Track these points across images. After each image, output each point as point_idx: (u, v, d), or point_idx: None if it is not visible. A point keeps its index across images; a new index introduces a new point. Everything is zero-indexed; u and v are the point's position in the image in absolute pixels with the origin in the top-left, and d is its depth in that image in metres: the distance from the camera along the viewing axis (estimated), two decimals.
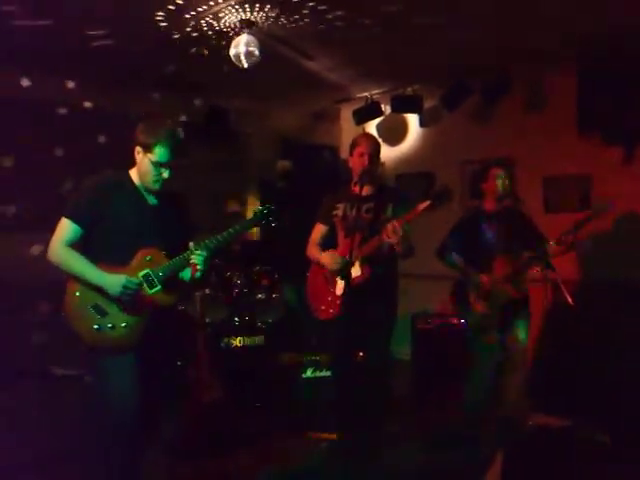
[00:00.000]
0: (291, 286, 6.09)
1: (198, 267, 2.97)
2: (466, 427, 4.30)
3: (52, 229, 2.90)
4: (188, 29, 4.68)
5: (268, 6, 4.32)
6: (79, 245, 2.92)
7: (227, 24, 4.61)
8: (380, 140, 4.13)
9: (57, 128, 5.57)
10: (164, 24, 4.55)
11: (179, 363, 4.59)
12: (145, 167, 2.93)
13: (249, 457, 4.23)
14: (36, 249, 4.81)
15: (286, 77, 5.95)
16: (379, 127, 7.07)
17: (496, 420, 4.26)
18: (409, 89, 6.51)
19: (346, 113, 7.29)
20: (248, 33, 4.55)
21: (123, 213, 2.91)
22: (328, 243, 4.05)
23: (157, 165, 2.90)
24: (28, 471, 3.70)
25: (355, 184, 3.87)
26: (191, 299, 4.77)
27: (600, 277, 5.38)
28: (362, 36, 4.91)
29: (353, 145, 3.97)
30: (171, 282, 3.00)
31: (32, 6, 4.14)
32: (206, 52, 5.13)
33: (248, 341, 5.27)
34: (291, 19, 4.55)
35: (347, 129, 7.48)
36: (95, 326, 2.84)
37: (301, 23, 4.62)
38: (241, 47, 4.50)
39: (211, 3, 4.26)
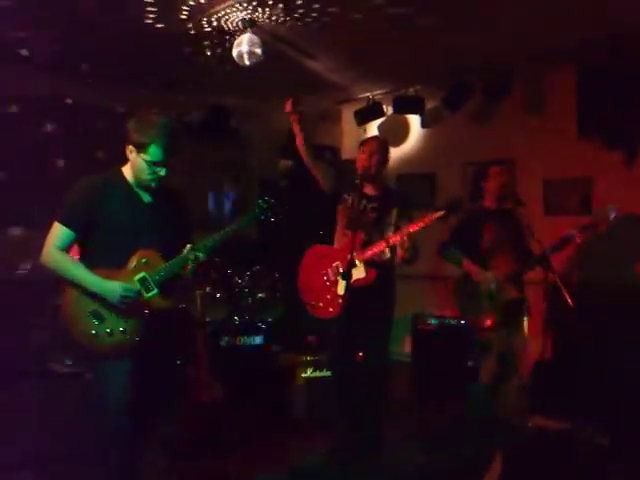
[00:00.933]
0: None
1: (190, 266, 2.93)
2: (466, 428, 4.31)
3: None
4: (191, 27, 4.68)
5: (271, 5, 4.32)
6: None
7: (230, 23, 4.62)
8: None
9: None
10: (167, 23, 4.55)
11: (178, 362, 4.59)
12: (139, 166, 2.84)
13: (248, 457, 4.23)
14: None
15: (288, 77, 5.95)
16: (381, 128, 7.07)
17: (496, 421, 4.26)
18: (411, 90, 6.51)
19: (348, 113, 7.29)
20: (251, 32, 4.55)
21: (117, 213, 2.84)
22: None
23: (152, 164, 2.82)
24: (28, 470, 3.71)
25: (360, 182, 3.89)
26: (191, 298, 4.76)
27: (599, 279, 5.39)
28: (364, 37, 4.92)
29: (362, 145, 4.02)
30: (168, 285, 2.95)
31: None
32: (208, 51, 5.14)
33: (248, 340, 5.28)
34: (294, 19, 4.56)
35: (348, 130, 7.48)
36: (93, 332, 2.80)
37: (304, 23, 4.63)
38: (244, 46, 4.51)
39: (214, 2, 4.26)
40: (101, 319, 2.81)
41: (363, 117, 6.81)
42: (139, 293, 2.85)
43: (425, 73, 6.12)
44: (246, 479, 3.89)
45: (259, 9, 4.38)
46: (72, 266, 2.81)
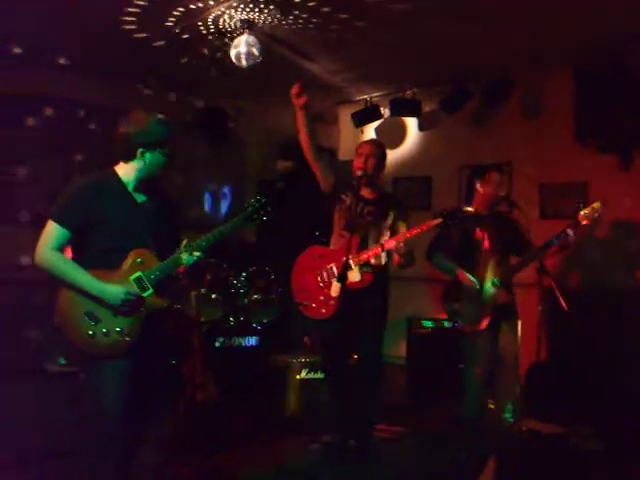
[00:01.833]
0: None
1: (187, 266, 2.93)
2: (461, 431, 4.31)
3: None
4: (190, 28, 4.68)
5: (269, 7, 4.33)
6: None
7: (228, 24, 4.62)
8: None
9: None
10: (166, 23, 4.56)
11: (173, 362, 4.58)
12: (135, 166, 2.87)
13: (242, 458, 4.22)
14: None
15: (286, 78, 5.95)
16: (378, 130, 7.07)
17: (489, 424, 4.27)
18: (408, 92, 6.53)
19: (345, 115, 7.30)
20: (249, 33, 4.56)
21: (111, 213, 2.83)
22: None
23: (150, 164, 2.85)
24: (21, 469, 3.70)
25: (356, 186, 3.89)
26: (187, 299, 4.76)
27: (596, 283, 5.40)
28: (362, 39, 4.92)
29: (359, 148, 4.02)
30: (163, 284, 2.94)
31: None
32: (206, 51, 5.14)
33: (243, 341, 5.27)
34: (292, 20, 4.56)
35: (346, 131, 7.49)
36: (89, 332, 2.79)
37: (302, 24, 4.63)
38: (242, 47, 4.52)
39: (212, 3, 4.26)
40: (97, 319, 2.80)
41: (360, 119, 6.82)
42: (138, 295, 2.84)
43: (422, 76, 6.13)
44: (240, 479, 3.89)
45: (257, 9, 4.38)
46: (69, 267, 2.80)
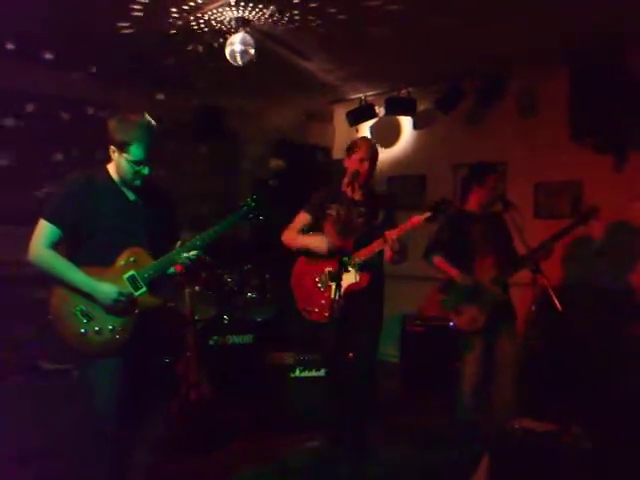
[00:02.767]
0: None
1: (184, 265, 2.91)
2: (454, 429, 4.32)
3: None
4: (184, 26, 4.68)
5: (264, 5, 4.32)
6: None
7: (223, 22, 4.61)
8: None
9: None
10: (161, 21, 4.55)
11: (167, 360, 4.58)
12: (122, 165, 2.82)
13: (237, 456, 4.23)
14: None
15: (281, 77, 5.96)
16: (372, 129, 7.08)
17: (484, 423, 4.28)
18: (403, 91, 6.53)
19: (340, 114, 7.30)
20: (244, 31, 4.55)
21: (103, 211, 2.82)
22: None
23: (134, 164, 2.80)
24: (19, 468, 3.69)
25: (347, 185, 3.88)
26: (181, 297, 4.75)
27: (589, 283, 5.42)
28: (357, 37, 4.93)
29: (352, 148, 3.96)
30: (157, 283, 2.93)
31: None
32: (201, 49, 5.13)
33: (237, 340, 5.27)
34: (287, 18, 4.56)
35: (341, 130, 7.49)
36: (81, 330, 2.78)
37: (297, 23, 4.63)
38: (237, 45, 4.50)
39: (207, 0, 4.26)
40: (89, 317, 2.80)
41: (355, 118, 6.83)
42: (131, 294, 2.84)
43: (417, 75, 6.14)
44: (235, 477, 3.89)
45: (253, 8, 4.38)
46: (62, 265, 2.79)
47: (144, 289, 2.87)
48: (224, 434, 4.46)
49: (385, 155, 6.96)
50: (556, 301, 3.79)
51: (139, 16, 4.47)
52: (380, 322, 4.00)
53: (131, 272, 2.85)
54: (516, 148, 5.99)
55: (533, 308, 4.03)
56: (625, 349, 4.98)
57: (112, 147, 2.82)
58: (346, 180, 3.91)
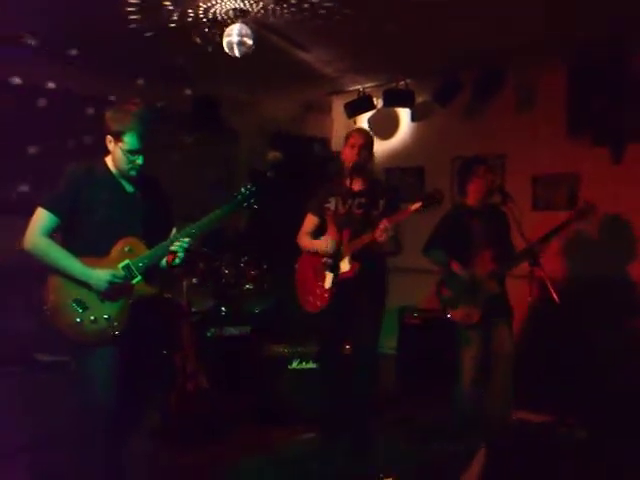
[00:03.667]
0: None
1: (178, 254, 2.92)
2: (452, 421, 4.34)
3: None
4: (181, 17, 4.65)
5: None
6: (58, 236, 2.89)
7: (221, 12, 4.59)
8: (372, 134, 4.14)
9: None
10: (158, 12, 4.52)
11: (164, 352, 4.58)
12: (118, 155, 2.87)
13: (235, 448, 4.24)
14: None
15: (279, 68, 5.94)
16: (370, 121, 7.06)
17: (481, 415, 4.29)
18: (401, 83, 6.51)
19: (338, 105, 7.28)
20: (242, 22, 4.53)
21: (100, 202, 2.85)
22: (318, 235, 4.07)
23: (129, 153, 2.84)
24: (12, 458, 3.70)
25: (346, 177, 3.88)
26: (178, 288, 4.75)
27: (586, 276, 5.43)
28: (356, 29, 4.91)
29: (346, 138, 4.00)
30: (152, 272, 2.96)
31: None
32: (198, 40, 5.11)
33: (234, 331, 5.27)
34: (285, 9, 4.54)
35: (338, 122, 7.47)
36: (77, 319, 2.80)
37: (295, 14, 4.61)
38: (234, 36, 4.48)
39: None
40: (85, 307, 2.82)
41: (353, 109, 6.80)
42: (125, 279, 2.85)
43: (416, 67, 6.12)
44: (232, 468, 3.89)
45: None
46: (56, 253, 2.81)
47: (139, 278, 2.89)
48: (221, 425, 4.47)
49: (383, 147, 6.96)
50: (554, 293, 3.80)
51: (136, 7, 4.44)
52: (379, 314, 4.00)
53: (126, 261, 2.87)
54: (514, 141, 5.98)
55: (530, 299, 4.02)
56: (625, 341, 4.99)
57: (108, 137, 2.87)
58: (345, 172, 3.92)
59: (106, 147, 2.91)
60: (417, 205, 3.64)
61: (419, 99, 6.56)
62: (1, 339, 4.44)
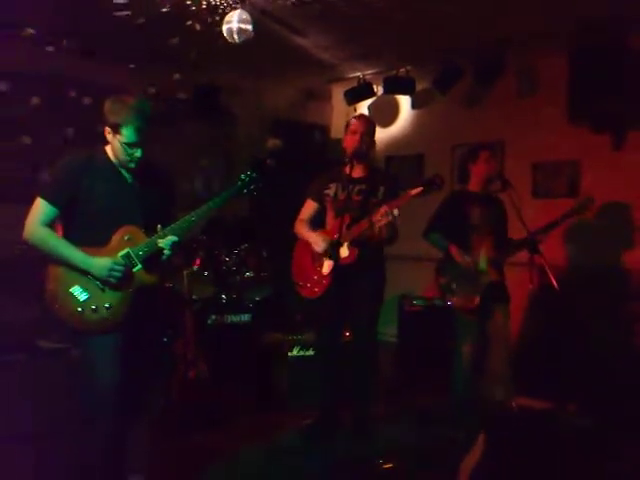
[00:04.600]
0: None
1: (165, 251, 2.92)
2: (451, 408, 4.36)
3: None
4: (180, 3, 4.62)
5: None
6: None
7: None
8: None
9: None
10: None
11: (165, 340, 4.59)
12: (116, 147, 2.85)
13: (233, 435, 4.25)
14: None
15: (278, 55, 5.91)
16: (371, 108, 7.04)
17: (480, 402, 4.31)
18: (401, 70, 6.49)
19: (338, 93, 7.26)
20: (241, 9, 4.50)
21: (100, 192, 2.84)
22: (317, 220, 4.06)
23: (127, 146, 2.82)
24: (13, 444, 3.71)
25: (347, 164, 3.87)
26: (178, 277, 4.76)
27: (586, 263, 5.44)
28: (356, 16, 4.88)
29: (347, 125, 4.00)
30: (152, 261, 2.95)
31: None
32: (198, 27, 5.08)
33: (235, 319, 5.28)
34: None
35: (338, 109, 7.45)
36: (78, 309, 2.81)
37: (295, 0, 4.58)
38: (234, 23, 4.46)
39: None
40: (85, 296, 2.82)
41: (353, 97, 6.78)
42: (126, 266, 2.85)
43: (416, 54, 6.09)
44: (231, 456, 3.92)
45: None
46: (57, 242, 2.81)
47: (139, 266, 2.89)
48: (221, 413, 4.49)
49: (383, 134, 6.94)
50: (553, 280, 3.80)
51: None
52: (377, 300, 4.01)
53: (126, 250, 2.87)
54: (514, 128, 5.97)
55: (531, 287, 4.03)
56: (624, 330, 5.01)
57: (107, 128, 2.85)
58: (348, 157, 3.91)
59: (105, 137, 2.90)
60: (417, 190, 3.63)
61: (419, 86, 6.54)
62: (2, 327, 4.46)
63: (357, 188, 3.91)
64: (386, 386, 5.08)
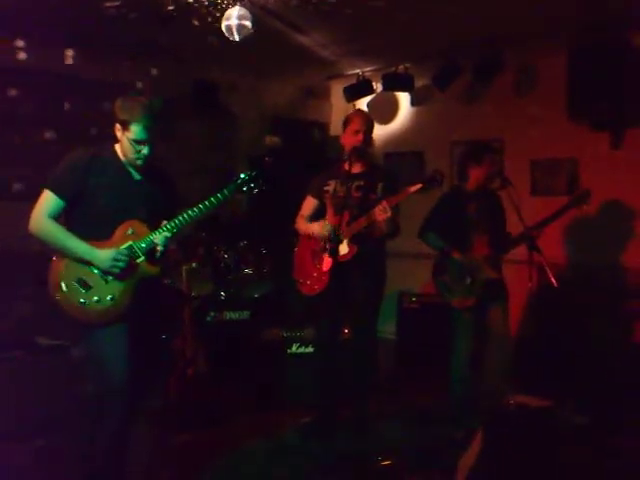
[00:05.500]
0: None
1: (158, 247, 2.97)
2: (449, 405, 4.36)
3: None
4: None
5: None
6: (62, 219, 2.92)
7: None
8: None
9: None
10: None
11: (164, 337, 4.60)
12: (125, 144, 2.93)
13: (232, 431, 4.26)
14: None
15: (278, 52, 5.90)
16: (370, 105, 7.04)
17: (478, 399, 4.32)
18: (400, 67, 6.48)
19: (337, 90, 7.25)
20: (241, 5, 4.50)
21: (107, 188, 2.91)
22: (317, 217, 4.07)
23: (135, 142, 2.89)
24: (11, 441, 3.72)
25: (346, 161, 3.87)
26: (178, 273, 4.76)
27: (585, 261, 5.44)
28: (355, 12, 4.87)
29: (346, 122, 3.99)
30: (154, 255, 3.01)
31: None
32: (197, 23, 5.07)
33: (234, 316, 5.29)
34: None
35: (338, 106, 7.44)
36: (81, 300, 2.84)
37: None
38: (233, 20, 4.45)
39: None
40: (88, 287, 2.86)
41: (352, 94, 6.77)
42: (130, 257, 2.90)
43: (415, 51, 6.08)
44: (230, 453, 3.92)
45: None
46: (62, 234, 2.86)
47: (142, 259, 2.95)
48: (220, 410, 4.49)
49: (382, 131, 6.94)
50: (552, 277, 3.81)
51: None
52: (377, 297, 4.01)
53: (129, 243, 2.92)
54: (513, 125, 5.97)
55: (529, 284, 4.04)
56: (622, 328, 5.02)
57: (117, 125, 2.92)
58: (344, 156, 3.92)
59: (115, 135, 2.96)
60: (417, 186, 3.64)
61: (418, 83, 6.54)
62: (2, 323, 4.46)
63: (356, 184, 3.91)
64: (385, 383, 5.09)
